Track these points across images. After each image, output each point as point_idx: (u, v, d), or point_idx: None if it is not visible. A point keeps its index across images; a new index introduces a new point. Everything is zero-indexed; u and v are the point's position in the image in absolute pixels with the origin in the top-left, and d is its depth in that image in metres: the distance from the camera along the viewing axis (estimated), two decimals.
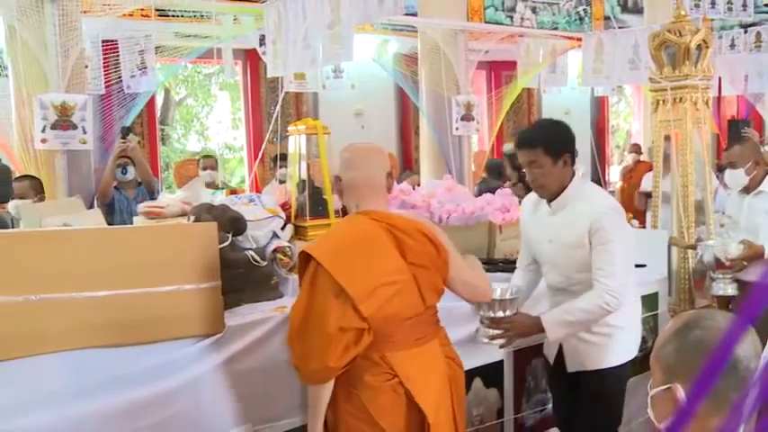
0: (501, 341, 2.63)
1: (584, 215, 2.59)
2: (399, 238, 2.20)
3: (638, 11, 9.94)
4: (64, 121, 4.80)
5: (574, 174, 2.68)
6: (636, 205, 6.78)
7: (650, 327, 3.45)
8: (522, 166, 2.75)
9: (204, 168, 6.52)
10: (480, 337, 2.65)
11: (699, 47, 3.68)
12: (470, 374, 2.94)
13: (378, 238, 2.19)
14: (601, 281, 2.54)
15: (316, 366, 2.09)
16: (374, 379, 2.16)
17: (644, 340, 2.88)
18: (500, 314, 2.56)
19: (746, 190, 3.78)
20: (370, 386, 2.16)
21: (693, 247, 3.60)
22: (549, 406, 3.18)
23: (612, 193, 8.18)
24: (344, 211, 2.39)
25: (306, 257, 2.19)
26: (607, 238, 2.54)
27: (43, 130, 4.74)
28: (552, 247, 2.72)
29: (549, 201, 2.71)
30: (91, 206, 4.77)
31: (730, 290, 3.36)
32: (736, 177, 3.77)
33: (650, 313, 3.46)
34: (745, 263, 3.33)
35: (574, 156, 2.68)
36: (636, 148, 9.12)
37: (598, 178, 9.69)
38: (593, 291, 2.55)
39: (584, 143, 10.72)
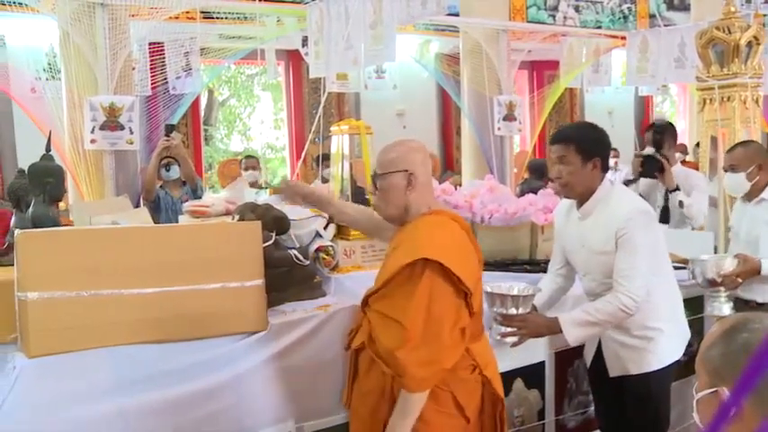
0: (513, 339, 2.60)
1: (610, 220, 2.56)
2: (470, 235, 2.30)
3: (684, 8, 9.75)
4: (112, 121, 4.93)
5: (603, 180, 2.64)
6: None
7: (695, 330, 3.36)
8: (553, 161, 2.70)
9: (246, 169, 6.60)
10: (492, 334, 2.62)
11: (749, 44, 3.61)
12: (512, 375, 2.94)
13: (464, 236, 2.26)
14: (620, 282, 2.52)
15: (429, 373, 2.06)
16: (464, 372, 2.20)
17: (689, 343, 2.81)
18: (512, 311, 2.55)
19: (748, 197, 3.34)
20: (461, 378, 2.19)
21: (684, 262, 3.25)
22: (592, 408, 3.15)
23: None
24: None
25: (413, 264, 2.09)
26: (631, 242, 2.51)
27: (92, 131, 4.88)
28: (585, 252, 2.70)
29: (579, 206, 2.69)
30: (137, 205, 4.88)
31: (726, 309, 3.08)
32: (737, 183, 3.32)
33: (695, 316, 3.39)
34: (739, 279, 3.04)
35: (605, 162, 2.65)
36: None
37: None
38: (612, 292, 2.54)
39: (627, 143, 10.56)
